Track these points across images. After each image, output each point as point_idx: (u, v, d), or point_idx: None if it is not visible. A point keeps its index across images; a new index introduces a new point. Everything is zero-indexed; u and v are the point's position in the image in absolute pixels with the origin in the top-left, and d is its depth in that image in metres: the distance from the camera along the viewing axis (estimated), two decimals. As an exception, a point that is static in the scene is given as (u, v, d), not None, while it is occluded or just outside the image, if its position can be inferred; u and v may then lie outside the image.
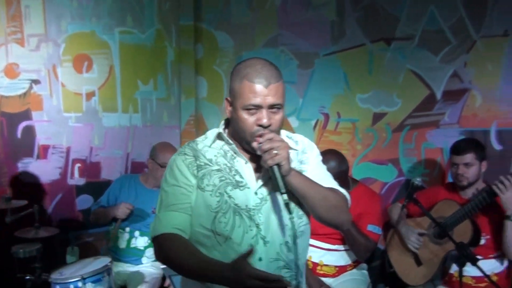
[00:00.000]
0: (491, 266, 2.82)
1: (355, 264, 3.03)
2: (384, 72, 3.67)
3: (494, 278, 2.75)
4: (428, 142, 3.63)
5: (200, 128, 3.93)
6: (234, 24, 3.87)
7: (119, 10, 3.77)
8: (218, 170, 1.71)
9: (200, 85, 3.94)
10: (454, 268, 2.82)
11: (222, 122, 1.79)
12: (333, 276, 2.98)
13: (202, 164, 1.72)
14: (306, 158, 1.77)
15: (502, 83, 3.48)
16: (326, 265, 2.98)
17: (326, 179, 1.76)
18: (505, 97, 3.47)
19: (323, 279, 2.94)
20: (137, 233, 3.19)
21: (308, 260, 2.91)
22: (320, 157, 1.84)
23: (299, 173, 1.67)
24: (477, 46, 3.51)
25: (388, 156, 3.70)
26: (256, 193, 1.68)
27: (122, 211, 3.09)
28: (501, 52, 3.46)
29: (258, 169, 1.70)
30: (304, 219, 1.74)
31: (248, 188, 1.69)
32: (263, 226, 1.66)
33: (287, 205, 1.58)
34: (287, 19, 3.80)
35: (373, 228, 2.90)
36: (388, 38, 3.65)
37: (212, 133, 1.79)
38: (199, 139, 1.80)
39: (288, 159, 1.60)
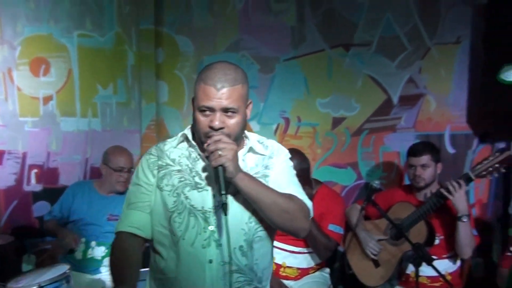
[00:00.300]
0: (445, 265, 2.92)
1: (318, 267, 3.08)
2: (343, 77, 3.75)
3: (448, 278, 2.85)
4: (385, 146, 3.73)
5: (161, 133, 3.90)
6: (195, 28, 3.87)
7: (78, 13, 3.71)
8: (178, 171, 1.74)
9: (161, 90, 3.91)
10: (410, 269, 2.91)
11: (191, 124, 1.81)
12: (295, 279, 3.02)
13: (164, 164, 1.75)
14: (271, 163, 1.77)
15: (454, 88, 3.63)
16: (289, 267, 3.01)
17: (288, 186, 1.73)
18: (457, 102, 3.62)
19: (285, 281, 2.97)
20: (93, 243, 3.09)
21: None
22: (289, 163, 1.82)
23: (250, 176, 1.66)
24: (431, 53, 3.64)
25: (347, 160, 3.77)
26: (214, 196, 1.69)
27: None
28: (453, 58, 3.61)
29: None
30: (262, 224, 1.72)
31: (207, 190, 1.70)
32: (217, 228, 1.67)
33: (224, 206, 1.59)
34: (248, 24, 3.82)
35: (334, 228, 2.98)
36: (347, 44, 3.73)
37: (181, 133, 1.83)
38: (170, 139, 1.84)
39: (232, 161, 1.60)
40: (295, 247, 2.98)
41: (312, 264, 3.06)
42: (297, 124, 3.82)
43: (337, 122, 3.77)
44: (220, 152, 1.60)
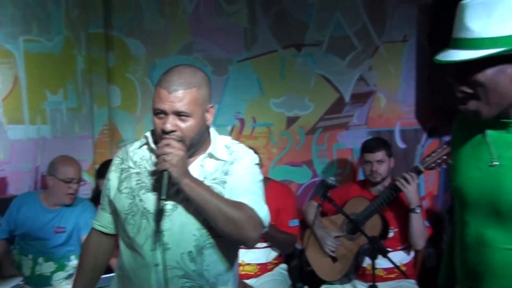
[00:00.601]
0: (400, 257, 3.01)
1: (276, 261, 3.14)
2: (296, 77, 3.79)
3: (403, 268, 2.94)
4: (339, 143, 3.81)
5: (114, 138, 3.83)
6: (146, 31, 3.82)
7: (23, 17, 3.59)
8: (137, 173, 1.75)
9: (113, 94, 3.85)
10: (367, 262, 2.97)
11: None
12: (255, 275, 3.06)
13: (126, 167, 1.77)
14: (232, 169, 1.72)
15: (403, 85, 3.75)
16: (248, 264, 3.05)
17: (244, 193, 1.68)
18: (406, 98, 3.74)
19: (247, 280, 2.99)
20: (40, 259, 2.99)
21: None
22: (253, 170, 1.76)
23: (197, 183, 1.63)
24: (380, 51, 3.74)
25: (302, 158, 3.83)
26: (169, 199, 1.67)
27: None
28: (401, 56, 3.73)
29: None
30: (215, 231, 1.68)
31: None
32: (167, 232, 1.66)
33: (160, 211, 1.61)
34: (200, 26, 3.81)
35: (293, 223, 3.12)
36: (298, 44, 3.78)
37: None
38: (137, 141, 1.84)
39: (177, 166, 1.59)
40: None
41: (270, 258, 3.13)
42: (252, 125, 3.84)
43: (291, 121, 3.81)
44: (164, 157, 1.60)
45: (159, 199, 1.62)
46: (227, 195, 1.68)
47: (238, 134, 3.83)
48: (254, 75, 3.82)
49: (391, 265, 2.79)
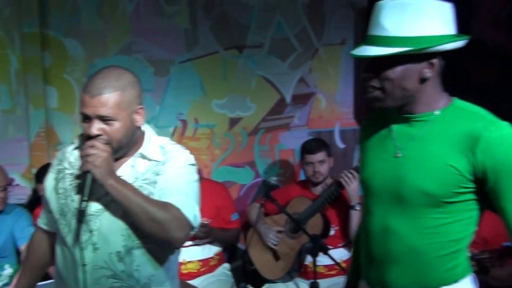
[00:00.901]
0: (340, 254, 3.09)
1: (218, 256, 3.18)
2: (238, 78, 3.82)
3: (343, 265, 3.02)
4: (280, 143, 3.87)
5: (51, 140, 3.70)
6: (84, 31, 3.71)
7: (-50, 15, 3.42)
8: (71, 174, 1.76)
9: (49, 95, 3.72)
10: (308, 259, 3.04)
11: None
12: (198, 272, 3.06)
13: (62, 168, 1.79)
14: (163, 169, 1.72)
15: (341, 87, 3.86)
16: (190, 262, 3.05)
17: (174, 194, 1.66)
18: (345, 99, 3.86)
19: (190, 281, 2.98)
20: None
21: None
22: (187, 170, 1.75)
23: (121, 183, 1.63)
24: (319, 53, 3.83)
25: (245, 159, 3.85)
26: (99, 200, 1.68)
27: None
28: (339, 58, 3.84)
29: None
30: (140, 231, 1.67)
31: (93, 193, 1.68)
32: (96, 232, 1.68)
33: (81, 212, 1.63)
34: (140, 26, 3.75)
35: (234, 217, 3.22)
36: (240, 46, 3.81)
37: None
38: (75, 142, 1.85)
39: (99, 167, 1.59)
40: (190, 241, 2.99)
41: (211, 253, 3.14)
42: (194, 126, 3.83)
43: (233, 122, 3.83)
44: (87, 158, 1.61)
45: (81, 200, 1.63)
46: (157, 195, 1.68)
47: (180, 136, 3.81)
48: (196, 76, 3.81)
49: (331, 262, 2.88)
